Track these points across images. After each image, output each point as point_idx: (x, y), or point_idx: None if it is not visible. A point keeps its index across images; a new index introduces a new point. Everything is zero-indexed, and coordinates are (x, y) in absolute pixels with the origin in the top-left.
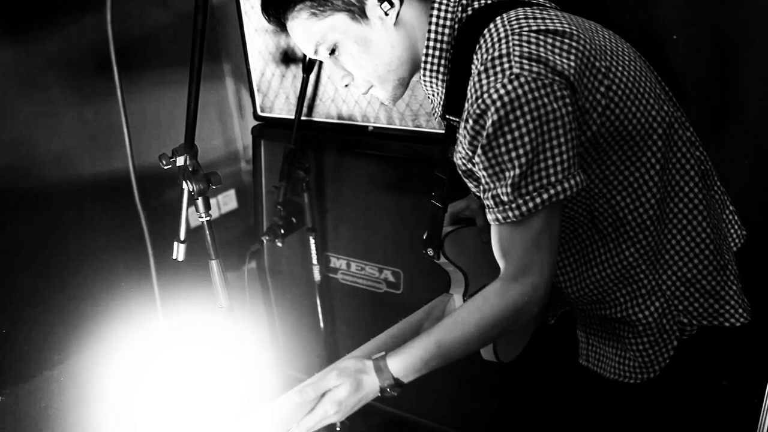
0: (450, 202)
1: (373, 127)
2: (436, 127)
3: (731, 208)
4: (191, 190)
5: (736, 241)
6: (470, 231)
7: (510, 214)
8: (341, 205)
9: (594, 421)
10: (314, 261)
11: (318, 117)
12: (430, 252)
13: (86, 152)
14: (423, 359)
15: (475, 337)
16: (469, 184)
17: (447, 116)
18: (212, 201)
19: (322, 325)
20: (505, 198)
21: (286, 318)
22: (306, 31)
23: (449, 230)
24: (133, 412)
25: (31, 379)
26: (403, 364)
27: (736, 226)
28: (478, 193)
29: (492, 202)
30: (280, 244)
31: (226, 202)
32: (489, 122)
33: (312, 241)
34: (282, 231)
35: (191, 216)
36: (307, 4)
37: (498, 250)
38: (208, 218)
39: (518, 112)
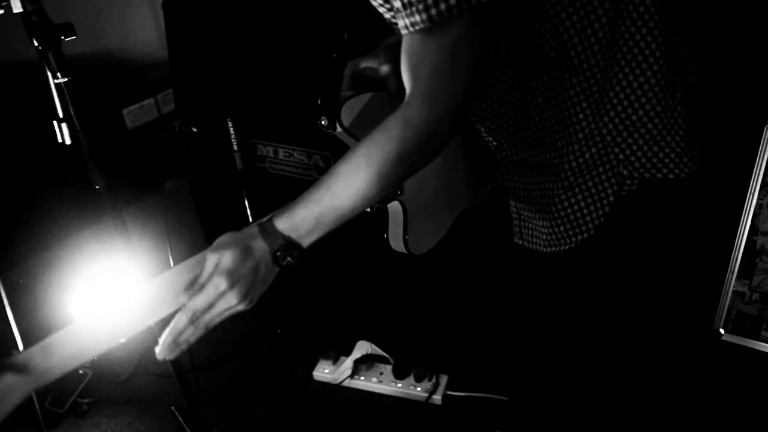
0: (352, 60)
1: None
2: None
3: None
4: (38, 45)
5: (693, 81)
6: (376, 97)
7: (418, 17)
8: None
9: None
10: (235, 147)
11: None
12: (324, 121)
13: None
14: (314, 213)
15: (375, 180)
16: (381, 9)
17: None
18: (151, 100)
19: (251, 220)
20: None
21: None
22: None
23: (349, 95)
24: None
25: None
26: (291, 222)
27: (692, 68)
28: (391, 18)
29: (400, 3)
30: (195, 130)
31: (167, 101)
32: None
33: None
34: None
35: None
36: None
37: (406, 67)
38: (65, 80)
39: None
